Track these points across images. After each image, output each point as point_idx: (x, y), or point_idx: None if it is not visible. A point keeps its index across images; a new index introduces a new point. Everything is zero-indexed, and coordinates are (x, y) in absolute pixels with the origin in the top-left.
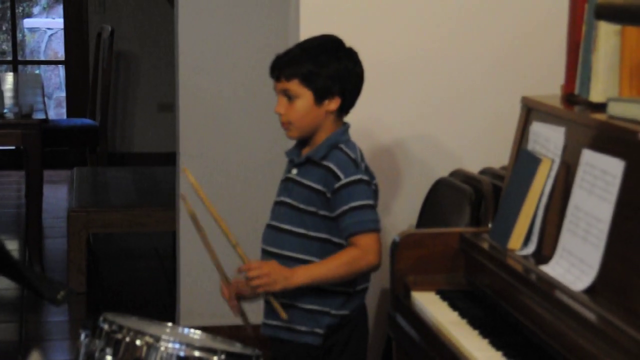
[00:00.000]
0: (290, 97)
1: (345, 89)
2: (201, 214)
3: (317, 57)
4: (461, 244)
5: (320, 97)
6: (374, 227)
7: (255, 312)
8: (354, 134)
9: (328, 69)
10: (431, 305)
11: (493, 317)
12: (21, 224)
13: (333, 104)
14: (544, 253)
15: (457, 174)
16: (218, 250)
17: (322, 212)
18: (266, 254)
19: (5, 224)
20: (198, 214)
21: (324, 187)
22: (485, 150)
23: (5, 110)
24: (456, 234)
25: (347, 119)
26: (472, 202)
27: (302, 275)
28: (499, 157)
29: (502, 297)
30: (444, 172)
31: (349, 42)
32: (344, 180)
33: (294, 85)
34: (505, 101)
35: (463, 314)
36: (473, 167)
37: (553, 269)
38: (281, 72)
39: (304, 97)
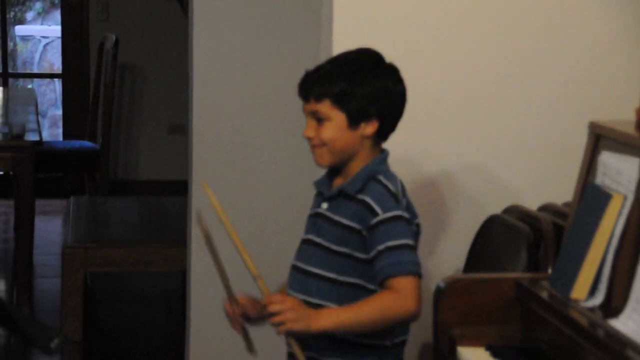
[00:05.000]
0: (320, 119)
1: (383, 111)
2: (218, 238)
3: (352, 75)
4: (516, 292)
5: (354, 120)
6: (414, 270)
7: None
8: (392, 164)
9: (363, 88)
10: None
11: None
12: (9, 261)
13: (370, 128)
14: (613, 305)
15: (513, 210)
16: (228, 268)
17: (357, 255)
18: None
19: None
20: (214, 237)
21: (359, 225)
22: (545, 184)
23: None
24: (510, 281)
25: (384, 146)
26: (529, 243)
27: (327, 317)
28: (562, 191)
29: (563, 356)
30: (496, 208)
31: (389, 57)
32: (381, 216)
33: (325, 107)
34: (570, 127)
35: None
36: (531, 203)
37: (624, 324)
38: (310, 91)
39: (336, 120)
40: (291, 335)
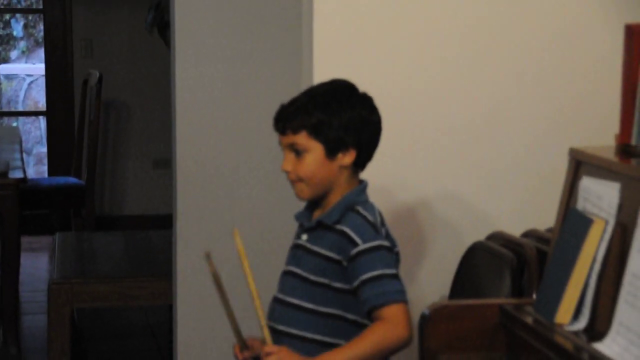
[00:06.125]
0: (298, 151)
1: (360, 140)
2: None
3: (328, 105)
4: (501, 317)
5: (332, 151)
6: (401, 298)
7: None
8: (371, 193)
9: (340, 117)
10: None
11: None
12: None
13: (347, 158)
14: (597, 329)
15: (496, 237)
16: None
17: (335, 285)
18: (272, 332)
19: None
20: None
21: (339, 255)
22: (528, 210)
23: None
24: (495, 306)
25: (362, 174)
26: (513, 269)
27: None
28: (544, 217)
29: None
30: (478, 235)
31: (368, 87)
32: (362, 247)
33: (302, 139)
34: (551, 153)
35: None
36: (514, 230)
37: (609, 347)
38: (287, 124)
39: (314, 151)
40: None
